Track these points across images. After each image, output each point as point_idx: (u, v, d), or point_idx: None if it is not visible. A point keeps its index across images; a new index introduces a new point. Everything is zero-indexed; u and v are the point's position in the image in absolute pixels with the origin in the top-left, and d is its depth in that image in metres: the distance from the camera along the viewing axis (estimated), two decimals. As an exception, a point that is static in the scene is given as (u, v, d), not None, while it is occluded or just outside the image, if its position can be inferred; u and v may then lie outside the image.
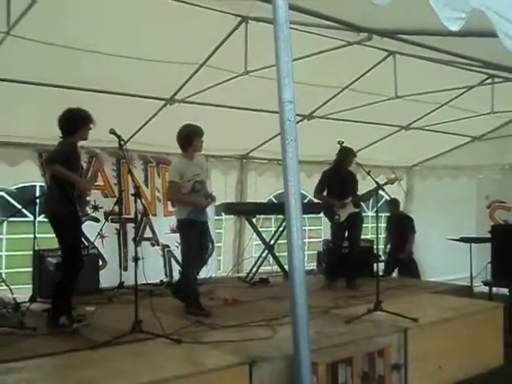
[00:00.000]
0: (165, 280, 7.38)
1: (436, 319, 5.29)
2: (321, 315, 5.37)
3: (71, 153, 4.82)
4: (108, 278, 7.07)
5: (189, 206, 5.54)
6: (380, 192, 6.23)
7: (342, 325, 4.99)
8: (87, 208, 7.26)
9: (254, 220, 8.23)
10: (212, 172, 8.61)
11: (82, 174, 5.07)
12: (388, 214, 9.53)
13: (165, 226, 8.10)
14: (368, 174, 5.78)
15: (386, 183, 6.53)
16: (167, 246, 8.11)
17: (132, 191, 7.52)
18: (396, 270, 9.19)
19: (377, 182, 5.83)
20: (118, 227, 7.74)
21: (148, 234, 7.97)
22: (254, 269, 7.93)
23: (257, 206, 8.25)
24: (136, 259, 4.62)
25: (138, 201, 4.69)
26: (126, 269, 7.49)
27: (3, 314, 5.13)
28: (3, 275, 5.88)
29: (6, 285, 5.54)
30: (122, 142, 4.64)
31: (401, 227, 9.09)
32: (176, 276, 7.56)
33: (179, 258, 7.94)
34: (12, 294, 5.54)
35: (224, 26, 5.54)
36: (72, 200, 4.70)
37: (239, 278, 8.02)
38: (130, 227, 7.82)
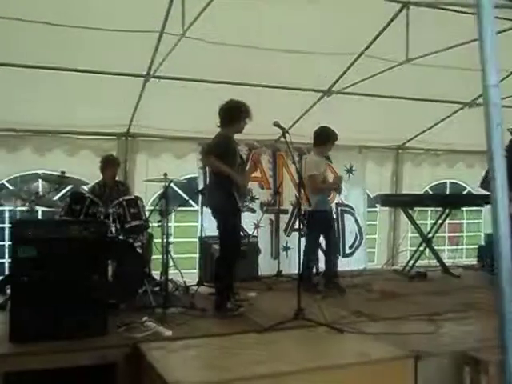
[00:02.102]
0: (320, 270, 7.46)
1: None
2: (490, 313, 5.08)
3: (227, 147, 5.02)
4: (262, 265, 7.31)
5: (318, 198, 6.12)
6: None
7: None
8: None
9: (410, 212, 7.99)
10: (367, 163, 8.56)
11: (240, 167, 5.22)
12: None
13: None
14: None
15: None
16: (316, 237, 8.20)
17: (286, 183, 7.86)
18: None
19: None
20: (272, 218, 8.00)
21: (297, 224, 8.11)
22: (411, 262, 7.72)
23: (415, 198, 8.00)
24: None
25: (299, 191, 4.80)
26: (276, 258, 7.71)
27: (176, 295, 5.55)
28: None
29: (177, 269, 5.95)
30: (287, 134, 4.74)
31: None
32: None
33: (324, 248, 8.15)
34: (182, 277, 5.95)
35: (384, 14, 5.45)
36: (231, 194, 4.93)
37: (395, 271, 7.87)
38: (283, 218, 8.05)
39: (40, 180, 6.80)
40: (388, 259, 8.79)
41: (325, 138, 6.27)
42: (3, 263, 6.82)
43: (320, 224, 6.27)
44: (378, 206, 8.67)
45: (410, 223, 8.08)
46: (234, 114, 5.03)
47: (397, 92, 6.95)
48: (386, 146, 8.76)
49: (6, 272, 6.26)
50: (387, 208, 8.75)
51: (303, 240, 6.58)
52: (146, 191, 6.93)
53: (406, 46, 5.50)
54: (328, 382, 3.42)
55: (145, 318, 4.45)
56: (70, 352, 3.79)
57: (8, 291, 5.04)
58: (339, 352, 3.91)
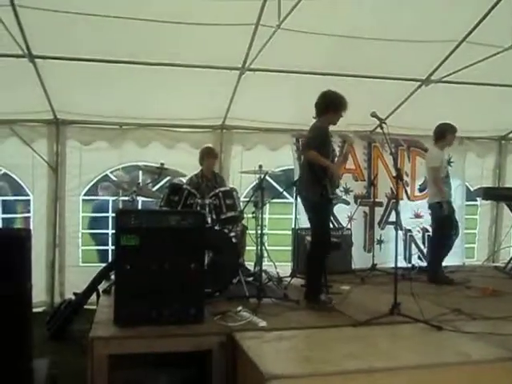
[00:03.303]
0: (416, 265, 7.28)
1: None
2: None
3: (324, 138, 5.01)
4: (355, 259, 7.20)
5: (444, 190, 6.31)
6: None
7: None
8: (338, 191, 7.53)
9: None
10: (467, 155, 8.21)
11: (333, 157, 5.23)
12: None
13: (409, 210, 8.03)
14: None
15: None
16: (409, 231, 8.05)
17: (381, 175, 7.70)
18: None
19: None
20: (366, 210, 7.87)
21: (393, 217, 7.92)
22: (515, 259, 7.34)
23: (521, 192, 7.58)
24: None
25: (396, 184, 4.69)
26: (369, 251, 7.60)
27: (270, 286, 5.60)
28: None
29: (271, 260, 6.01)
30: (384, 125, 4.63)
31: None
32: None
33: (420, 243, 8.01)
34: (276, 268, 6.00)
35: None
36: (323, 184, 4.89)
37: (496, 268, 7.50)
38: (378, 211, 7.90)
39: (140, 171, 7.14)
40: (489, 255, 8.41)
41: (440, 132, 6.44)
42: (107, 250, 7.21)
43: (449, 218, 6.39)
44: (478, 199, 8.29)
45: (514, 218, 7.68)
46: (330, 104, 4.98)
47: (500, 79, 6.59)
48: (488, 136, 8.35)
49: (110, 259, 6.61)
50: (488, 202, 8.36)
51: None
52: (241, 183, 7.05)
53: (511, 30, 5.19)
54: (426, 380, 3.33)
55: (239, 308, 4.54)
56: (169, 337, 3.94)
57: (112, 277, 5.32)
58: (437, 350, 3.77)
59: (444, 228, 6.44)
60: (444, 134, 6.41)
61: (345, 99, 4.98)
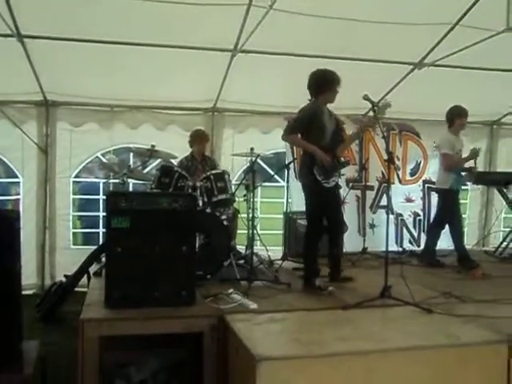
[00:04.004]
0: (407, 249, 7.32)
1: None
2: None
3: (312, 120, 4.89)
4: (349, 242, 7.19)
5: (452, 177, 6.24)
6: None
7: None
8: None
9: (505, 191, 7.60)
10: (459, 139, 8.21)
11: (332, 138, 5.07)
12: None
13: (401, 194, 8.07)
14: None
15: None
16: (400, 215, 8.09)
17: (372, 159, 7.69)
18: None
19: None
20: (359, 194, 7.88)
21: (384, 201, 7.95)
22: (504, 243, 7.38)
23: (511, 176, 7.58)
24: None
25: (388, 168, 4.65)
26: (364, 235, 7.61)
27: (261, 269, 5.60)
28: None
29: (262, 243, 6.01)
30: (376, 109, 4.60)
31: None
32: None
33: (411, 227, 8.06)
34: (267, 251, 6.00)
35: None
36: (312, 172, 4.86)
37: (486, 252, 7.55)
38: (369, 194, 7.91)
39: (131, 153, 7.11)
40: (479, 240, 8.46)
41: (449, 117, 6.30)
42: (98, 233, 7.19)
43: (456, 204, 6.33)
44: (469, 184, 8.33)
45: (504, 203, 7.71)
46: (323, 83, 4.90)
47: (493, 63, 6.58)
48: (480, 121, 8.35)
49: (101, 241, 6.58)
50: (479, 186, 8.40)
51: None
52: (233, 166, 7.02)
53: (506, 12, 5.16)
54: (416, 362, 3.35)
55: (231, 290, 4.53)
56: (160, 319, 3.92)
57: (103, 259, 5.31)
58: (427, 333, 3.78)
59: (444, 216, 6.41)
60: (452, 119, 6.29)
61: (336, 74, 4.89)
